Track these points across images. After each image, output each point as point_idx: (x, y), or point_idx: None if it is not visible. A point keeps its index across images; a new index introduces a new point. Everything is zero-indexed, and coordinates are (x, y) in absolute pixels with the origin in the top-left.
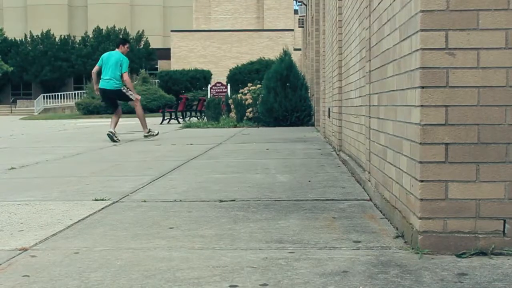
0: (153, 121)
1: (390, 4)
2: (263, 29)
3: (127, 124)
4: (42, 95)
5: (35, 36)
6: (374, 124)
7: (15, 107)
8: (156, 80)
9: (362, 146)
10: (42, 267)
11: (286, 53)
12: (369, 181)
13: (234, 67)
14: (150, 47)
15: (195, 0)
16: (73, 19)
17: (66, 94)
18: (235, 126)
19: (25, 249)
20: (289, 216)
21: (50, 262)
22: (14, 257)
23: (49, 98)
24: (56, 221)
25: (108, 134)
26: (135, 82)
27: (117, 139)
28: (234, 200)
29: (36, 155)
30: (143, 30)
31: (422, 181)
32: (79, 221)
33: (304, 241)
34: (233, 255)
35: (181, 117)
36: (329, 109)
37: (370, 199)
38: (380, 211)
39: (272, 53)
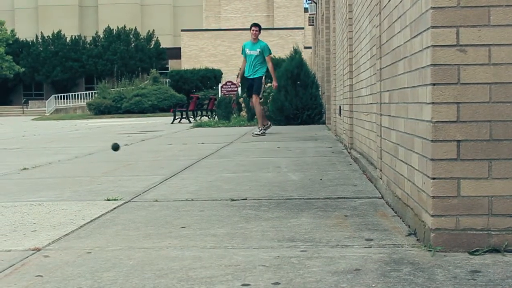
0: (164, 121)
1: (401, 1)
2: (273, 27)
3: (138, 124)
4: (53, 95)
5: (46, 37)
6: (385, 121)
7: (26, 108)
8: (167, 80)
9: (373, 144)
10: (55, 267)
11: (296, 52)
12: (381, 178)
13: None
14: (161, 46)
15: None
16: (83, 19)
17: (77, 94)
18: (246, 125)
19: (38, 249)
20: (301, 214)
21: (63, 262)
22: (27, 257)
23: (61, 99)
24: (68, 221)
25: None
26: (145, 82)
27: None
28: (245, 199)
29: (48, 155)
30: (153, 30)
31: (434, 178)
32: (91, 221)
33: (316, 240)
34: (245, 254)
35: (192, 116)
36: (340, 107)
37: (382, 197)
38: (392, 208)
39: (283, 52)
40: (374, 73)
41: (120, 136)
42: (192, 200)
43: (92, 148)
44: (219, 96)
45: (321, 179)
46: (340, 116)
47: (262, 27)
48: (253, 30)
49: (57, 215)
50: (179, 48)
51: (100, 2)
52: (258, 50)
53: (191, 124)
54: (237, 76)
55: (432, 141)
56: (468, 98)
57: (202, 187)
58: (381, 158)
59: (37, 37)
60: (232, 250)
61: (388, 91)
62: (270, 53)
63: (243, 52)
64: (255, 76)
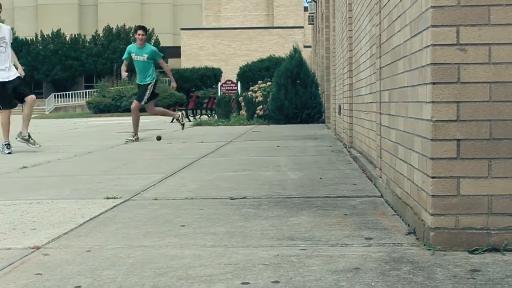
0: (163, 119)
1: (401, 0)
2: (273, 26)
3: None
4: (53, 94)
5: (45, 36)
6: (385, 120)
7: None
8: (167, 78)
9: (373, 143)
10: (55, 265)
11: (296, 50)
12: (380, 177)
13: (244, 64)
14: (160, 45)
15: None
16: (83, 18)
17: (77, 93)
18: (245, 124)
19: (37, 248)
20: (301, 213)
21: (63, 260)
22: (27, 255)
23: (60, 97)
24: (68, 220)
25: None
26: None
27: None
28: (245, 198)
29: (47, 153)
30: (153, 29)
31: (433, 177)
32: (91, 219)
33: (315, 238)
34: (245, 252)
35: (192, 115)
36: (339, 106)
37: (382, 196)
38: (392, 207)
39: (282, 51)
40: (374, 72)
41: (120, 135)
42: (192, 198)
43: (91, 147)
44: (219, 95)
45: (320, 178)
46: (340, 115)
47: (262, 26)
48: (139, 34)
49: (56, 213)
50: (179, 47)
51: (100, 1)
52: (146, 55)
53: (191, 123)
54: (123, 66)
55: (432, 140)
56: (468, 97)
57: (201, 185)
58: (380, 157)
59: (36, 35)
60: (231, 249)
61: (388, 90)
62: (161, 56)
63: (127, 55)
64: (144, 83)
